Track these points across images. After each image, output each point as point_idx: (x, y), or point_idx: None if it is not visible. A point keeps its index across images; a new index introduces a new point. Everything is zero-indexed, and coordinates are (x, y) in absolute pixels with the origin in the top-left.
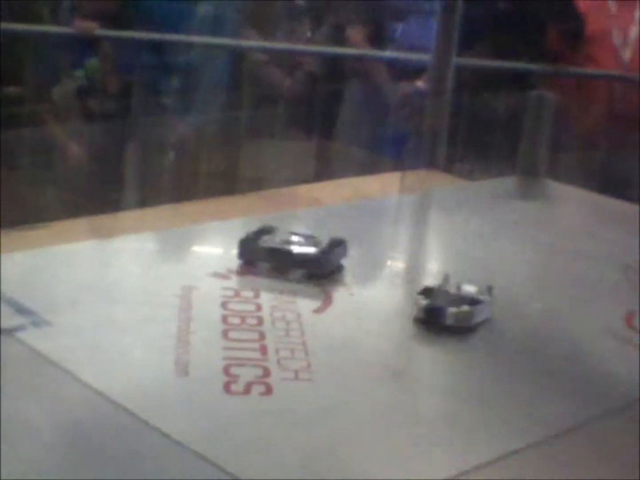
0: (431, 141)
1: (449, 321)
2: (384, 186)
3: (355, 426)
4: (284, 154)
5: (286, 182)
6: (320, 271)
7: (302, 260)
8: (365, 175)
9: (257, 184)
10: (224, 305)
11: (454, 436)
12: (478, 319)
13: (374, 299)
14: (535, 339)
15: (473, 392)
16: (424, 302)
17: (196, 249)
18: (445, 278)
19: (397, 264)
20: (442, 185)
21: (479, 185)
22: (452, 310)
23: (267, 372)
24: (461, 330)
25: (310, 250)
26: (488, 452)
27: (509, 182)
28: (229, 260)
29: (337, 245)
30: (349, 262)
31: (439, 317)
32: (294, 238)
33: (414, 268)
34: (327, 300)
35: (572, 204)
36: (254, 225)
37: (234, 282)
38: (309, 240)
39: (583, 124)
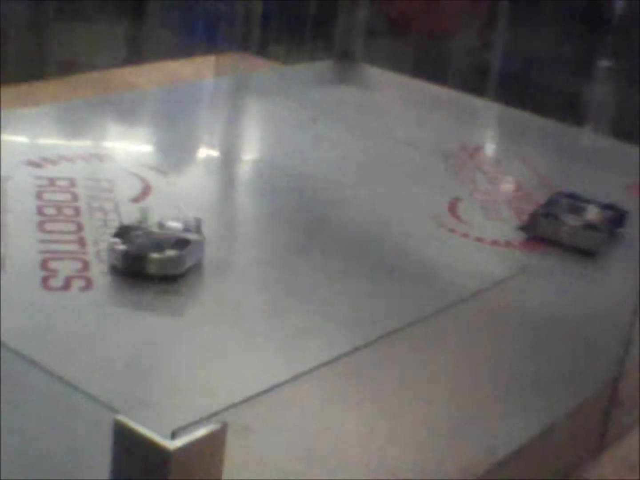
0: (244, 24)
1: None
2: (198, 70)
3: (178, 321)
4: (93, 37)
5: (97, 66)
6: None
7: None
8: (178, 59)
9: (67, 68)
10: (38, 195)
11: (280, 332)
12: (189, 263)
13: (193, 187)
14: (357, 228)
15: (297, 286)
16: (120, 247)
17: (6, 137)
18: (144, 213)
19: (214, 151)
20: (257, 69)
21: (294, 69)
22: (154, 256)
23: (86, 266)
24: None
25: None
26: (317, 351)
27: (324, 66)
28: (42, 148)
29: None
30: (168, 148)
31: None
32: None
33: (230, 154)
34: (146, 189)
35: (389, 89)
36: (66, 111)
37: (48, 171)
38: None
39: (398, 7)
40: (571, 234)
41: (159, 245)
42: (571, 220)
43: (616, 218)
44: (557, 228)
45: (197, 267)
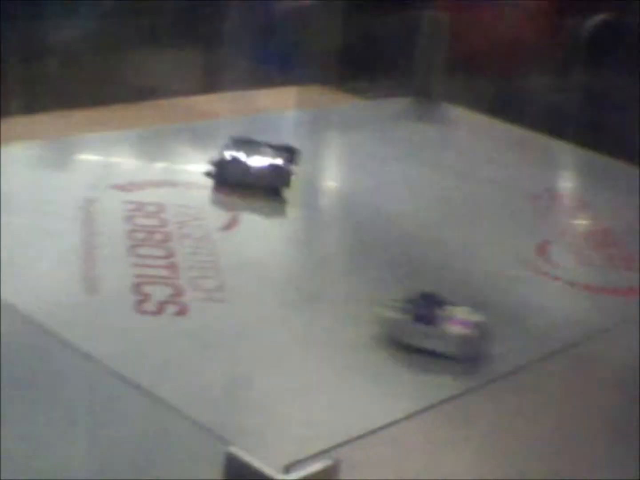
0: (324, 56)
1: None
2: (279, 101)
3: (271, 349)
4: (173, 63)
5: (176, 92)
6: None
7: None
8: (258, 89)
9: (148, 93)
10: (127, 219)
11: (371, 364)
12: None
13: (280, 218)
14: (444, 271)
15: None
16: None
17: (93, 158)
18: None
19: (298, 184)
20: (337, 102)
21: (374, 104)
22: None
23: (179, 291)
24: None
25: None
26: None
27: (403, 103)
28: (128, 172)
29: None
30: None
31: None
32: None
33: (315, 190)
34: (234, 218)
35: (467, 128)
36: (151, 137)
37: (135, 195)
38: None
39: (476, 47)
40: (258, 175)
41: None
42: (255, 163)
43: (290, 157)
44: (244, 171)
45: None
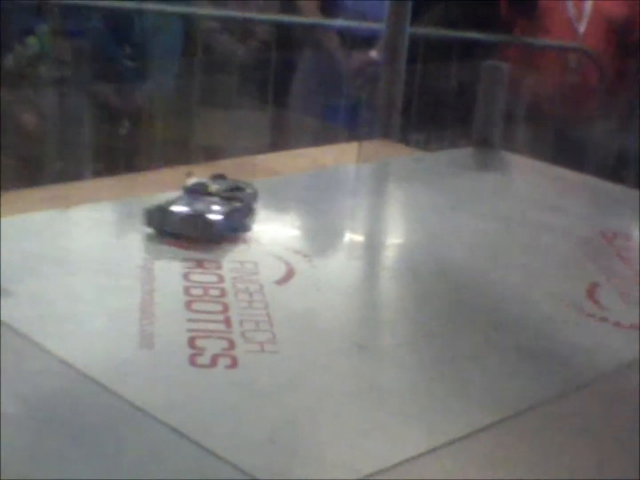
0: (386, 111)
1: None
2: (340, 156)
3: (321, 399)
4: (237, 123)
5: (241, 151)
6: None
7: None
8: (321, 146)
9: (212, 154)
10: (185, 276)
11: (420, 410)
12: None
13: (335, 270)
14: (496, 312)
15: (437, 367)
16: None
17: None
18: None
19: (356, 235)
20: (398, 155)
21: (435, 156)
22: None
23: (232, 345)
24: None
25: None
26: (454, 428)
27: (464, 153)
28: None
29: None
30: (311, 231)
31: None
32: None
33: (371, 239)
34: (289, 272)
35: (528, 176)
36: None
37: (195, 252)
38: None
39: (537, 95)
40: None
41: None
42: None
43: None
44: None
45: None
